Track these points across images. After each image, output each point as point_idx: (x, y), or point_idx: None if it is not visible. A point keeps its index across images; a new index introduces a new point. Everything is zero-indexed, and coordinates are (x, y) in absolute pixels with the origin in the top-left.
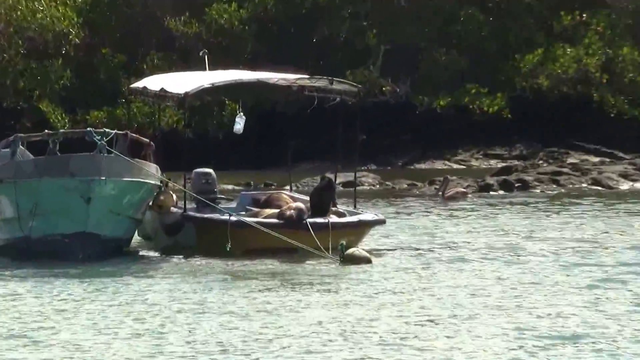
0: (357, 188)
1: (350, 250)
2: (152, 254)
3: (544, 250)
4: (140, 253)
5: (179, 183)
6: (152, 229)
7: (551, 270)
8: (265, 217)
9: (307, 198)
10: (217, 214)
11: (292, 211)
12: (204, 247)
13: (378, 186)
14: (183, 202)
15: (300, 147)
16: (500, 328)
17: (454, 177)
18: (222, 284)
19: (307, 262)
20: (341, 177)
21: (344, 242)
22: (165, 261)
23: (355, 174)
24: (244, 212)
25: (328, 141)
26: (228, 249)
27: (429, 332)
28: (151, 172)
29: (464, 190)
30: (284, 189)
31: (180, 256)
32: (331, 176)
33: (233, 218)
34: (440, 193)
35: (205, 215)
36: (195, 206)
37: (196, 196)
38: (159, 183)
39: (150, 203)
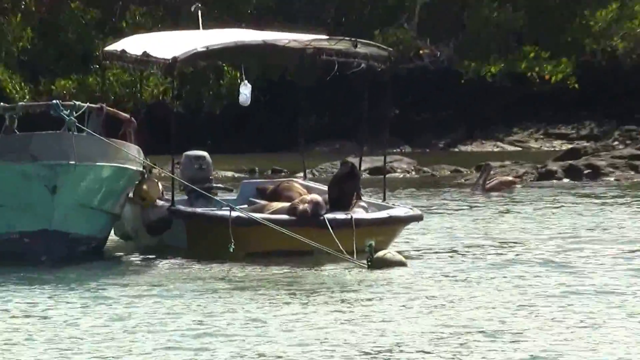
0: (388, 176)
1: (381, 253)
2: (132, 257)
3: (616, 256)
4: (118, 256)
5: (166, 169)
6: (132, 226)
7: (624, 282)
8: (272, 212)
9: (325, 188)
10: (214, 208)
11: (307, 205)
12: (197, 249)
13: (413, 173)
14: (171, 193)
15: (317, 125)
16: (554, 350)
17: (507, 162)
18: (220, 296)
19: (326, 268)
20: (367, 162)
21: (373, 243)
22: (148, 267)
23: (384, 159)
24: (245, 206)
25: (351, 118)
26: (232, 250)
27: (474, 351)
28: (132, 156)
29: (511, 179)
30: (296, 177)
31: (167, 260)
32: (355, 161)
33: (234, 213)
34: (480, 183)
35: (199, 210)
36: (186, 198)
37: (188, 185)
38: (141, 169)
39: (131, 194)
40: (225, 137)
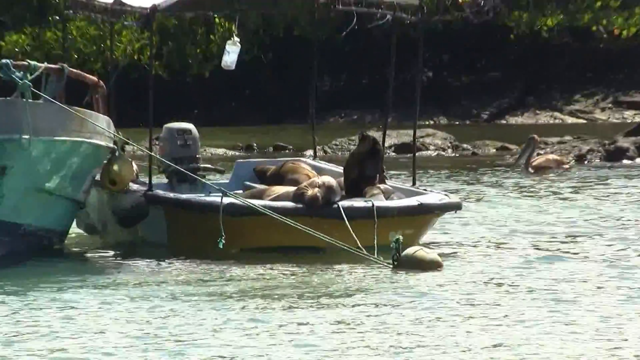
0: (418, 154)
1: (410, 250)
2: (98, 255)
3: None
4: (80, 254)
5: (143, 145)
6: (99, 216)
7: None
8: (274, 199)
9: (341, 170)
10: (201, 194)
11: (317, 189)
12: (180, 244)
13: (450, 151)
14: (148, 175)
15: (331, 91)
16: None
17: (567, 138)
18: (208, 303)
19: (340, 268)
20: (393, 137)
21: (400, 238)
22: (118, 267)
23: (414, 133)
24: (241, 191)
25: (373, 81)
26: (222, 246)
27: None
28: (100, 128)
29: (559, 158)
30: (304, 156)
31: (143, 259)
32: (377, 136)
33: (225, 199)
34: (521, 163)
35: (182, 196)
36: (166, 181)
37: (169, 164)
38: (111, 145)
39: (98, 176)
40: (216, 106)
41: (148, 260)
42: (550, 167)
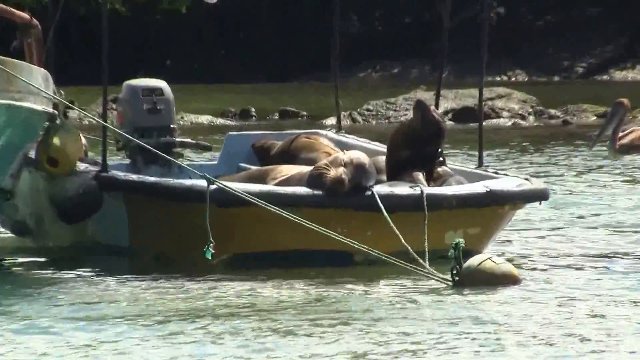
0: (486, 123)
1: (475, 260)
2: (29, 265)
3: None
4: (7, 262)
5: (93, 110)
6: (32, 209)
7: None
8: (281, 182)
9: (376, 147)
10: (177, 179)
11: (342, 169)
12: (147, 248)
13: (531, 119)
14: (101, 152)
15: (360, 35)
16: None
17: None
18: (189, 338)
19: (375, 284)
20: (450, 99)
21: (461, 241)
22: (58, 283)
23: (480, 93)
24: (233, 175)
25: (419, 21)
26: (210, 255)
27: None
28: (34, 87)
29: None
30: (323, 127)
31: (94, 270)
32: (426, 97)
33: (213, 185)
34: (604, 136)
35: (150, 179)
36: (128, 161)
37: (131, 139)
38: (49, 109)
39: (32, 153)
40: (198, 56)
41: (100, 272)
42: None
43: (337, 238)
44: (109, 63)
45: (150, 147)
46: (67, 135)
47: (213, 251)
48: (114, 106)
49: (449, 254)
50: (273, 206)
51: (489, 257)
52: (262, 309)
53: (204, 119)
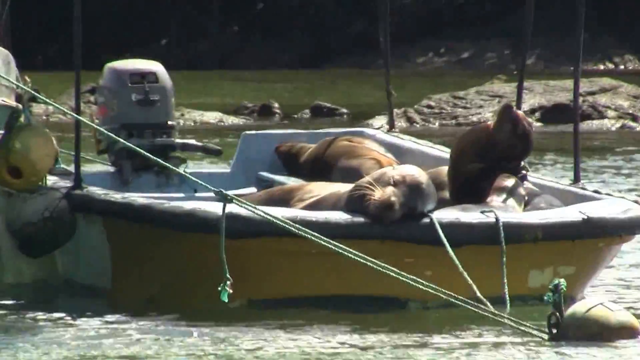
0: (585, 125)
1: (580, 307)
2: None
3: None
4: None
5: (66, 103)
6: None
7: None
8: (310, 205)
9: (439, 152)
10: (177, 193)
11: (390, 188)
12: (134, 290)
13: None
14: (74, 159)
15: (418, 9)
16: None
17: None
18: None
19: (442, 340)
20: (537, 94)
21: (562, 281)
22: (16, 339)
23: (576, 85)
24: (253, 189)
25: None
26: (226, 299)
27: None
28: None
29: None
30: (369, 126)
31: (64, 320)
32: (506, 90)
33: (230, 206)
34: None
35: (140, 199)
36: (111, 170)
37: (115, 138)
38: (12, 103)
39: None
40: (203, 34)
41: (73, 322)
42: None
43: (386, 278)
44: (84, 41)
45: (141, 151)
46: (35, 137)
47: (230, 290)
48: (91, 98)
49: (546, 297)
50: (321, 237)
51: (600, 303)
52: None
53: (211, 116)
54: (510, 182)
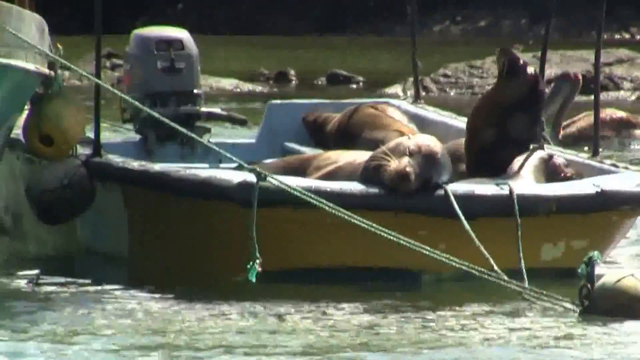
0: (603, 96)
1: (612, 276)
2: (2, 278)
3: None
4: None
5: (88, 68)
6: (9, 203)
7: None
8: (326, 175)
9: (457, 123)
10: (200, 164)
11: (406, 159)
12: (153, 258)
13: None
14: (94, 127)
15: None
16: None
17: None
18: None
19: (461, 313)
20: (554, 64)
21: (597, 254)
22: (36, 304)
23: (597, 56)
24: (276, 160)
25: None
26: (254, 276)
27: None
28: (24, 40)
29: (622, 115)
30: (392, 96)
31: (82, 287)
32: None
33: (274, 180)
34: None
35: (159, 167)
36: (137, 138)
37: (140, 106)
38: (45, 70)
39: (18, 130)
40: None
41: (91, 289)
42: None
43: (401, 250)
44: (105, 4)
45: (165, 119)
46: (67, 105)
47: (259, 269)
48: (107, 63)
49: (579, 270)
50: (338, 207)
51: (630, 274)
52: (308, 346)
53: (227, 83)
54: (532, 156)
